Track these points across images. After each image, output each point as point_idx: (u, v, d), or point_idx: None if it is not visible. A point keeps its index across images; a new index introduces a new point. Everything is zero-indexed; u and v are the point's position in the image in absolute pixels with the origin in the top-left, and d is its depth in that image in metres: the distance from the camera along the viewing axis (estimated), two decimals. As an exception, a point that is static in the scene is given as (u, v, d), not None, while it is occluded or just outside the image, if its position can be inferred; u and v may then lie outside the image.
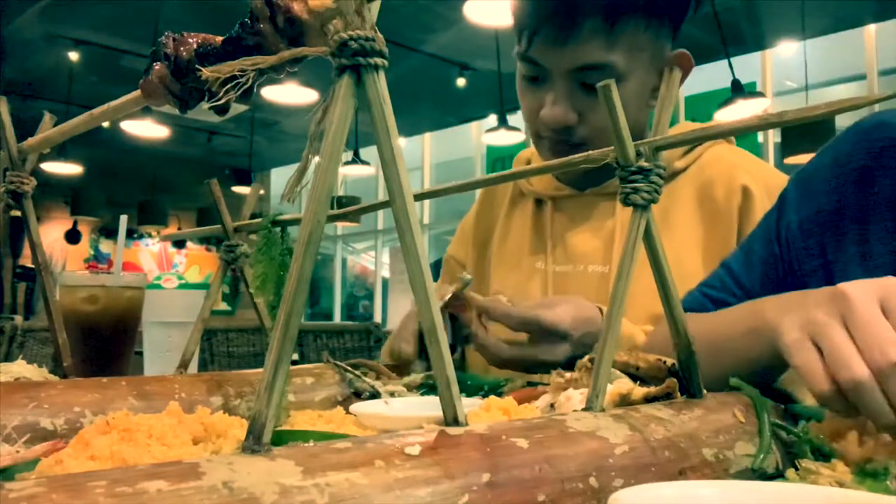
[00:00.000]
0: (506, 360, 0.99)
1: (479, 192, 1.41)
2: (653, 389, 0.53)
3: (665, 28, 1.10)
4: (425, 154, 9.36)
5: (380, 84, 0.39)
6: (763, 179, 1.12)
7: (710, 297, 0.95)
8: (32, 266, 0.75)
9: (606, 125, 1.13)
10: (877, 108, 0.62)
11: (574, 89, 1.09)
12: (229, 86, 0.49)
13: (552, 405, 0.61)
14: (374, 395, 0.78)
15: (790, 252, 0.90)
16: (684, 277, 1.07)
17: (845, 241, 0.85)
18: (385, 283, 10.49)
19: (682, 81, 1.15)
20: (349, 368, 0.81)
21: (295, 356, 0.58)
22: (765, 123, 0.45)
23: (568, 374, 0.63)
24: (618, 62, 1.06)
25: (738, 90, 4.73)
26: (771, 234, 0.92)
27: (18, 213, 0.72)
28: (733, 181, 1.12)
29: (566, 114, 1.09)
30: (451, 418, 0.39)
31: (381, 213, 7.46)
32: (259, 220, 0.73)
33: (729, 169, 1.13)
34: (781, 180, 1.14)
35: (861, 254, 0.83)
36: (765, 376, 0.71)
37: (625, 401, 0.53)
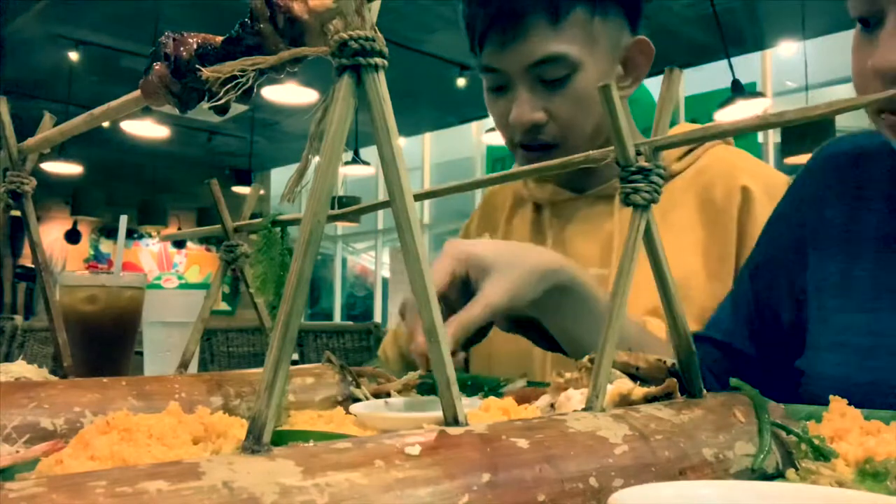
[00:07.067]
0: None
1: (479, 198, 1.41)
2: (653, 389, 0.53)
3: (614, 15, 1.10)
4: (425, 154, 9.36)
5: (380, 84, 0.39)
6: (763, 179, 1.12)
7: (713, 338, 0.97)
8: (32, 266, 0.75)
9: (576, 120, 1.14)
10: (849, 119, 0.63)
11: (535, 87, 1.09)
12: (229, 86, 0.49)
13: (552, 405, 0.61)
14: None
15: (764, 290, 0.94)
16: (684, 280, 1.06)
17: (808, 267, 0.89)
18: (385, 282, 10.49)
19: (648, 67, 1.14)
20: (350, 370, 0.81)
21: (295, 356, 0.58)
22: (765, 123, 0.45)
23: (568, 374, 0.63)
24: (571, 52, 1.06)
25: (738, 90, 4.74)
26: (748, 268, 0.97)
27: (18, 213, 0.72)
28: (733, 182, 1.11)
29: (532, 112, 1.09)
30: (451, 418, 0.39)
31: (381, 213, 7.46)
32: (259, 220, 0.73)
33: (728, 170, 1.12)
34: (781, 180, 1.14)
35: (819, 278, 0.87)
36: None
37: (625, 401, 0.53)
